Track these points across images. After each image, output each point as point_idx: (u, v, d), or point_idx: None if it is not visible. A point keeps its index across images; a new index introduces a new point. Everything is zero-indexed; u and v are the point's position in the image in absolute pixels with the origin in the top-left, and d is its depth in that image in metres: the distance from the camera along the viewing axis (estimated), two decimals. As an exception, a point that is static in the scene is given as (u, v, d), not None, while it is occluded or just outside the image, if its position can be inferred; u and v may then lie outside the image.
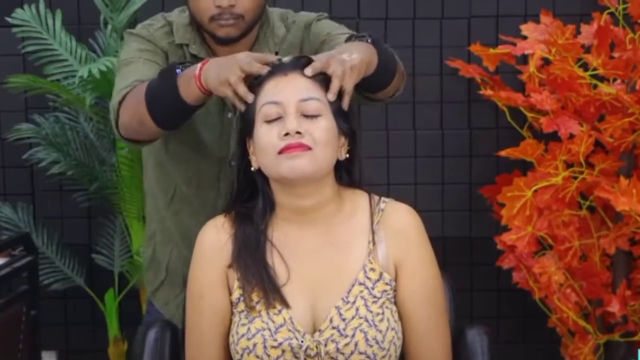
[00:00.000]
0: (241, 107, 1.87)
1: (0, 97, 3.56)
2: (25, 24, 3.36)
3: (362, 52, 1.92)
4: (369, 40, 1.98)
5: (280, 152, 1.80)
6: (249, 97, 1.86)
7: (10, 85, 3.31)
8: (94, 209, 3.64)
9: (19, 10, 3.36)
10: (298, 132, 1.79)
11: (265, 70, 1.86)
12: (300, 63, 1.86)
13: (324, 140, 1.82)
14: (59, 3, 3.49)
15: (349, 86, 1.86)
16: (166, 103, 2.01)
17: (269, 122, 1.82)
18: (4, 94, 3.50)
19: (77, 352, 3.74)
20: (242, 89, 1.86)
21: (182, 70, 1.97)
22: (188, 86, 1.95)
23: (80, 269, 3.59)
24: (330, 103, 1.85)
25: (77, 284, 3.57)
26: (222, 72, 1.87)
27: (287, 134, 1.79)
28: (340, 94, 1.86)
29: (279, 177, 1.84)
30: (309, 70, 1.84)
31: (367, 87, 2.03)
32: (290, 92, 1.83)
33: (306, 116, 1.82)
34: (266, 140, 1.82)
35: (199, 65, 1.94)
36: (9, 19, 3.36)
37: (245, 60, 1.87)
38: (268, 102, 1.83)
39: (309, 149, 1.80)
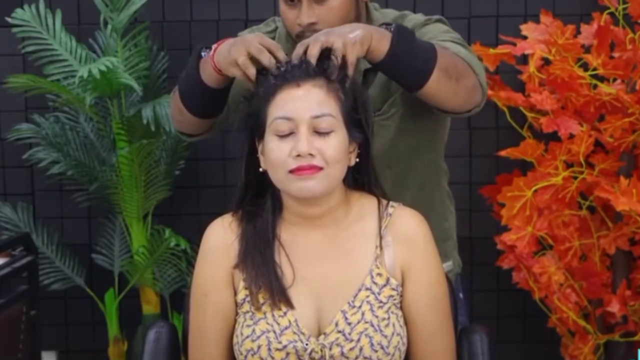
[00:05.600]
0: (253, 87, 1.86)
1: (0, 97, 3.56)
2: (25, 24, 3.35)
3: (367, 30, 1.89)
4: (391, 29, 1.95)
5: (290, 171, 1.79)
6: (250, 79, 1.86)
7: (10, 85, 3.31)
8: (94, 209, 3.64)
9: (19, 10, 3.36)
10: (310, 154, 1.78)
11: (272, 64, 1.84)
12: (313, 69, 1.82)
13: (335, 158, 1.80)
14: (59, 3, 3.49)
15: (352, 57, 1.83)
16: (190, 85, 2.04)
17: (280, 136, 1.80)
18: (4, 94, 3.50)
19: (77, 352, 3.74)
20: (252, 71, 1.85)
21: (207, 52, 1.98)
22: (206, 67, 1.97)
23: (80, 269, 3.59)
24: (343, 113, 1.82)
25: (77, 284, 3.57)
26: (232, 52, 1.87)
27: (298, 155, 1.78)
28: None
29: (288, 194, 1.85)
30: (310, 58, 1.81)
31: (391, 76, 2.01)
32: (302, 107, 1.79)
33: (318, 132, 1.79)
34: (277, 157, 1.80)
35: (215, 45, 1.95)
36: (9, 19, 3.35)
37: (254, 44, 1.86)
38: (280, 117, 1.80)
39: (320, 169, 1.79)
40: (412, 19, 2.27)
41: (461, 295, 2.45)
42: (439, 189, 2.39)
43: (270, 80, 1.83)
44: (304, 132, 1.78)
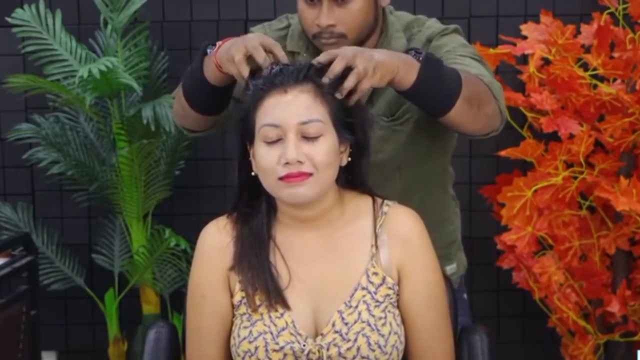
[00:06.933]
0: (243, 85, 1.86)
1: (0, 97, 3.56)
2: (25, 24, 3.35)
3: (393, 58, 1.87)
4: (420, 57, 1.92)
5: (280, 179, 1.78)
6: (243, 79, 1.85)
7: (10, 85, 3.31)
8: (94, 209, 3.64)
9: (19, 10, 3.36)
10: (298, 161, 1.76)
11: (267, 63, 1.83)
12: (302, 75, 1.80)
13: (325, 163, 1.79)
14: (59, 3, 3.49)
15: (364, 86, 1.81)
16: (193, 81, 2.04)
17: (268, 143, 1.79)
18: (4, 94, 3.50)
19: (77, 352, 3.74)
20: (245, 71, 1.84)
21: (212, 49, 1.98)
22: (209, 63, 1.97)
23: (80, 269, 3.59)
24: (332, 116, 1.80)
25: (77, 284, 3.57)
26: (231, 49, 1.87)
27: (287, 163, 1.76)
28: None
29: (279, 200, 1.84)
30: (330, 75, 1.79)
31: (413, 103, 2.00)
32: (290, 113, 1.78)
33: (306, 137, 1.78)
34: (266, 164, 1.79)
35: (220, 42, 1.95)
36: (9, 19, 3.35)
37: (253, 42, 1.85)
38: (267, 124, 1.78)
39: (310, 175, 1.78)
40: (430, 26, 2.25)
41: (465, 296, 2.45)
42: (445, 192, 2.39)
43: (257, 85, 1.82)
44: (292, 138, 1.77)
